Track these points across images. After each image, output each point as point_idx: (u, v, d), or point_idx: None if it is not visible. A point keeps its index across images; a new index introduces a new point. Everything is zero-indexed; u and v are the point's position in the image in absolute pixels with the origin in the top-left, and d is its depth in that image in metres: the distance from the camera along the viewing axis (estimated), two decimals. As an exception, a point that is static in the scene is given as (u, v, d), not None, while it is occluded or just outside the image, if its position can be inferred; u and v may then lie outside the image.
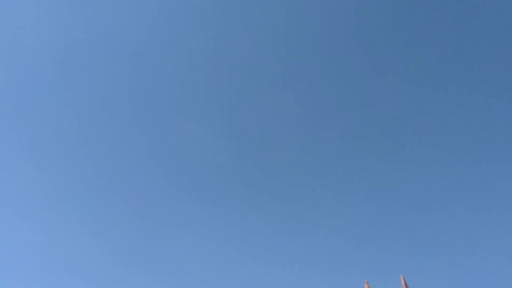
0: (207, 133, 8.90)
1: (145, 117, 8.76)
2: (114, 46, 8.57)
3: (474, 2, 8.21)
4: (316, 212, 8.56)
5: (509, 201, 7.71)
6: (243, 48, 8.79)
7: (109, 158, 8.64)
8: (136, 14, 8.52)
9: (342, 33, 8.77)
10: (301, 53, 8.74)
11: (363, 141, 8.75)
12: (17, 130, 8.35)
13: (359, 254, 8.08)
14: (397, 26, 8.65)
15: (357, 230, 8.35)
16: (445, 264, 7.69)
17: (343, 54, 8.78)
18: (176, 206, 8.62)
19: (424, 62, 8.51)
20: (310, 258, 8.05)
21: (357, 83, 8.77)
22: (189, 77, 8.80)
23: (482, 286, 7.32)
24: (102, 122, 8.63)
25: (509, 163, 7.81)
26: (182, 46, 8.79)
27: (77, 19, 8.32)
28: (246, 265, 8.09)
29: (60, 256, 7.82)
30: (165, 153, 8.83)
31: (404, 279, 3.86)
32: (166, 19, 8.68)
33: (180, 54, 8.72)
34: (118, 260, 7.97)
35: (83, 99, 8.55)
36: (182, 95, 8.82)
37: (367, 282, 3.82)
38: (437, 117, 8.46)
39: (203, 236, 8.42)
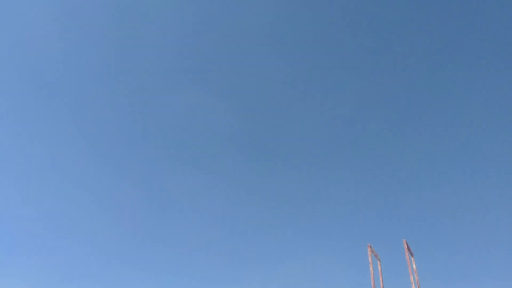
0: (213, 102, 8.87)
1: (149, 84, 8.70)
2: (118, 9, 8.41)
3: (478, 5, 7.98)
4: (322, 181, 8.63)
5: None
6: (248, 14, 8.62)
7: (114, 124, 8.64)
8: None
9: (349, 34, 8.60)
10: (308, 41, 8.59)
11: (370, 111, 8.72)
12: (14, 125, 8.30)
13: (363, 220, 8.19)
14: (399, 27, 8.46)
15: (360, 196, 8.43)
16: (448, 228, 7.79)
17: (350, 51, 8.63)
18: (181, 176, 8.70)
19: (428, 63, 8.36)
20: (314, 226, 8.18)
21: (363, 78, 8.66)
22: (194, 45, 8.68)
23: (487, 252, 7.43)
24: (106, 90, 8.58)
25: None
26: (187, 13, 8.63)
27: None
28: (253, 233, 8.26)
29: (58, 256, 7.79)
30: (170, 119, 8.83)
31: (406, 243, 3.93)
32: None
33: (185, 20, 8.57)
34: (123, 227, 8.10)
35: (89, 64, 8.47)
36: (187, 63, 8.73)
37: (370, 246, 3.89)
38: (440, 115, 8.39)
39: (209, 206, 8.55)
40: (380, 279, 3.88)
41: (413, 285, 3.79)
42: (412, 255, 4.04)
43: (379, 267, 3.95)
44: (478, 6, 7.63)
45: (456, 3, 7.96)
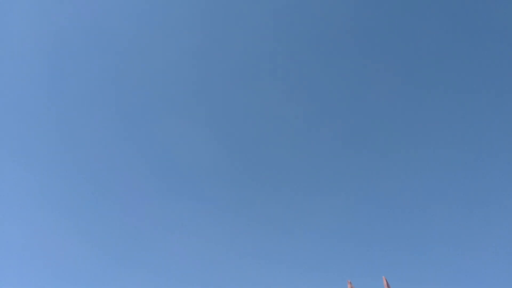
0: (197, 132, 8.91)
1: (135, 116, 8.72)
2: (104, 44, 8.51)
3: (473, 2, 8.35)
4: (303, 212, 8.63)
5: (498, 202, 7.87)
6: (234, 47, 8.81)
7: (98, 157, 8.58)
8: (126, 12, 8.48)
9: (336, 31, 8.86)
10: (293, 52, 8.81)
11: (354, 141, 8.83)
12: (4, 130, 8.24)
13: (343, 255, 8.16)
14: (394, 24, 8.76)
15: (341, 230, 8.43)
16: (428, 265, 7.81)
17: (337, 53, 8.86)
18: (166, 205, 8.61)
19: (421, 61, 8.62)
20: (295, 258, 8.11)
21: (350, 82, 8.85)
22: (178, 76, 8.78)
23: (466, 286, 7.45)
24: (92, 121, 8.56)
25: (504, 163, 7.97)
26: (172, 44, 8.77)
27: (66, 16, 8.25)
28: (236, 263, 8.14)
29: (51, 257, 7.76)
30: (154, 152, 8.81)
31: (386, 280, 3.93)
32: (157, 17, 8.66)
33: (170, 53, 8.70)
34: (108, 259, 7.94)
35: (71, 98, 8.48)
36: (171, 94, 8.80)
37: (350, 283, 3.88)
38: (432, 117, 8.57)
39: (193, 235, 8.44)
40: (360, 316, 3.85)
41: (392, 322, 3.76)
42: (391, 292, 4.03)
43: (358, 304, 3.92)
44: (478, 6, 7.89)
45: (457, 3, 8.23)
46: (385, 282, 3.94)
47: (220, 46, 8.63)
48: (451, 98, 8.45)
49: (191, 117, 8.86)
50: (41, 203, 8.30)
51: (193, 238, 8.41)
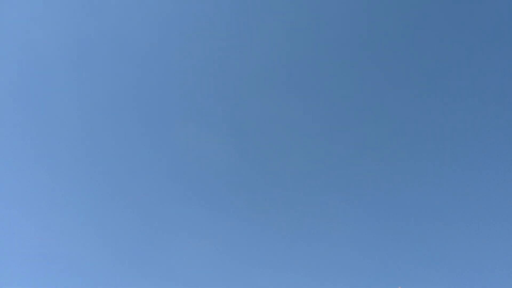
0: (210, 136, 8.87)
1: (148, 119, 8.74)
2: (119, 47, 8.57)
3: (478, 7, 8.16)
4: (318, 219, 8.50)
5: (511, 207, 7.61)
6: (249, 51, 8.75)
7: (111, 159, 8.62)
8: (141, 16, 8.54)
9: (349, 38, 8.71)
10: (307, 58, 8.72)
11: (367, 147, 8.68)
12: (19, 129, 8.35)
13: (358, 263, 7.99)
14: (407, 32, 8.60)
15: (356, 238, 8.27)
16: (446, 275, 7.59)
17: (349, 60, 8.73)
18: (177, 208, 8.58)
19: (431, 68, 8.45)
20: (308, 266, 7.98)
21: (364, 89, 8.71)
22: (193, 80, 8.78)
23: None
24: (105, 123, 8.62)
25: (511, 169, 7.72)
26: (187, 48, 8.77)
27: (83, 18, 8.36)
28: (246, 269, 8.06)
29: (59, 257, 7.79)
30: (167, 155, 8.81)
31: None
32: (172, 21, 8.69)
33: (185, 57, 8.71)
34: (118, 261, 7.93)
35: (86, 100, 8.55)
36: (185, 98, 8.80)
37: None
38: (444, 125, 8.37)
39: (204, 240, 8.38)
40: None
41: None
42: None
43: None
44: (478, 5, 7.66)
45: (456, 3, 8.02)
46: (401, 293, 3.82)
47: (237, 51, 8.61)
48: (464, 107, 8.25)
49: (205, 121, 8.81)
50: (53, 203, 8.35)
51: (205, 243, 8.33)
